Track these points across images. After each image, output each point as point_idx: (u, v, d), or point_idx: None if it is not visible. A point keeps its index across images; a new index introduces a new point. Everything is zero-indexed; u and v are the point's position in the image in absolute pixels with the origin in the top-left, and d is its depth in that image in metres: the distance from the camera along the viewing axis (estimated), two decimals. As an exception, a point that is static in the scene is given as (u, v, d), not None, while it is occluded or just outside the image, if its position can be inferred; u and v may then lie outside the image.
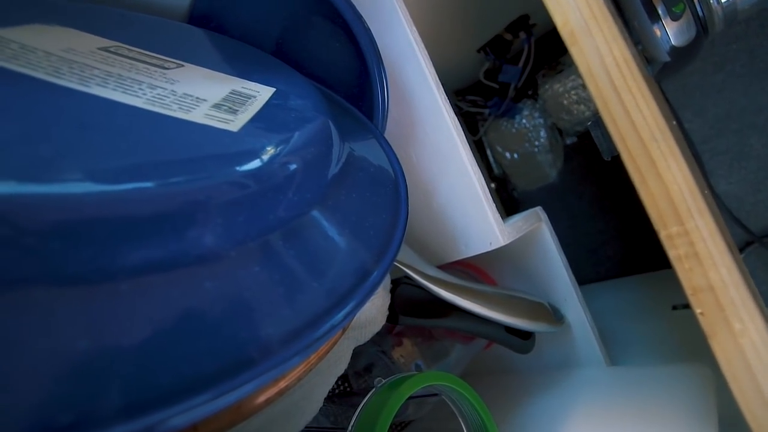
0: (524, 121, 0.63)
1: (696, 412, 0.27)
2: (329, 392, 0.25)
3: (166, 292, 0.13)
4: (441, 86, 0.31)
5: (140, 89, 0.18)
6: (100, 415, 0.11)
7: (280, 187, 0.17)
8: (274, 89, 0.22)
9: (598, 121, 0.24)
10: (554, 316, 0.36)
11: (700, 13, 0.29)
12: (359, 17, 0.29)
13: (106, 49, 0.20)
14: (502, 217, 0.31)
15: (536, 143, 0.63)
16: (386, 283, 0.31)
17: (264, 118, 0.19)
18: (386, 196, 0.24)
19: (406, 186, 0.25)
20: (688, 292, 0.21)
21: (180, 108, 0.18)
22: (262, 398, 0.17)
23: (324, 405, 0.25)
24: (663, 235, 0.21)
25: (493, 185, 0.70)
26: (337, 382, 0.39)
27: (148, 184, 0.14)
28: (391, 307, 0.31)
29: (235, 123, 0.18)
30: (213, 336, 0.14)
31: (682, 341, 0.35)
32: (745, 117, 0.47)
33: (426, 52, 0.31)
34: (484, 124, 0.67)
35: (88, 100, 0.16)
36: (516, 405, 0.37)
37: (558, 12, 0.23)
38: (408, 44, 0.30)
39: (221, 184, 0.15)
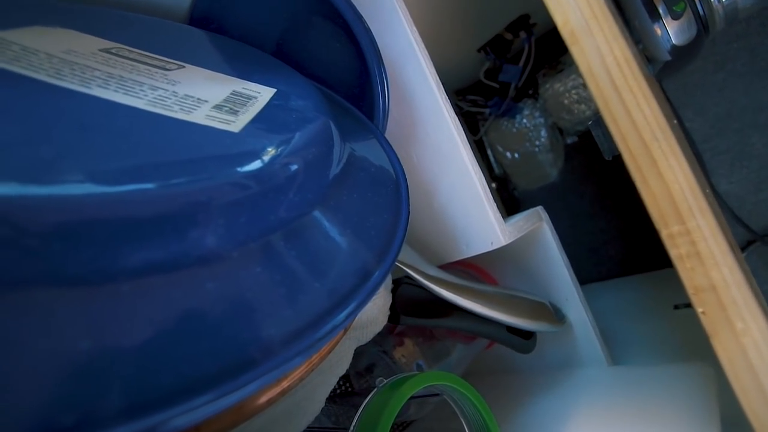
0: (525, 120, 0.63)
1: (698, 411, 0.27)
2: (331, 392, 0.25)
3: (168, 293, 0.13)
4: (441, 86, 0.31)
5: (141, 90, 0.18)
6: (103, 416, 0.11)
7: (282, 188, 0.17)
8: (275, 90, 0.23)
9: (598, 120, 0.24)
10: (555, 315, 0.36)
11: (701, 12, 0.29)
12: (359, 17, 0.29)
13: (107, 51, 0.20)
14: (503, 217, 0.31)
15: (537, 143, 0.63)
16: (387, 283, 0.31)
17: (265, 119, 0.19)
18: (387, 196, 0.24)
19: (407, 186, 0.25)
20: (690, 291, 0.21)
21: (181, 109, 0.18)
22: (264, 398, 0.17)
23: (326, 405, 0.25)
24: (664, 234, 0.21)
25: (493, 185, 0.70)
26: (338, 383, 0.39)
27: (150, 186, 0.14)
28: (392, 307, 0.31)
29: (236, 124, 0.18)
30: (215, 336, 0.14)
31: (683, 341, 0.35)
32: (746, 116, 0.47)
33: (426, 52, 0.31)
34: (484, 123, 0.67)
35: (90, 102, 0.16)
36: (518, 405, 0.37)
37: (558, 11, 0.23)
38: (408, 44, 0.30)
39: (223, 185, 0.15)
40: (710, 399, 0.27)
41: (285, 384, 0.18)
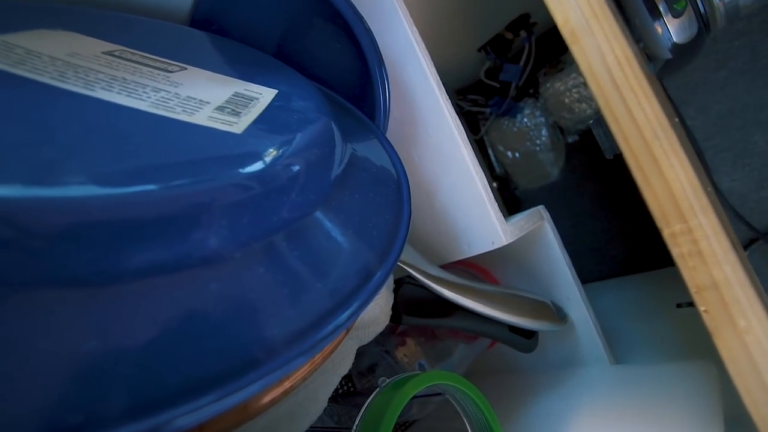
0: (525, 119, 0.63)
1: (701, 409, 0.27)
2: (333, 392, 0.25)
3: (172, 293, 0.14)
4: (442, 86, 0.31)
5: (144, 92, 0.18)
6: (108, 416, 0.11)
7: (284, 189, 0.17)
8: (277, 91, 0.23)
9: (599, 119, 0.24)
10: (557, 314, 0.36)
11: (702, 10, 0.29)
12: (360, 18, 0.29)
13: (110, 53, 0.20)
14: (504, 217, 0.31)
15: (538, 142, 0.63)
16: (389, 282, 0.31)
17: (267, 120, 0.19)
18: (389, 196, 0.24)
19: (409, 186, 0.25)
20: (692, 290, 0.21)
21: (184, 111, 0.18)
22: (267, 398, 0.17)
23: (328, 405, 0.25)
24: (666, 233, 0.21)
25: (494, 184, 0.70)
26: (340, 383, 0.39)
27: (152, 187, 0.14)
28: (394, 307, 0.31)
29: (238, 125, 0.18)
30: (218, 337, 0.14)
31: (686, 339, 0.35)
32: (748, 114, 0.47)
33: (427, 52, 0.31)
34: (485, 123, 0.67)
35: (93, 104, 0.16)
36: (520, 404, 0.37)
37: (558, 10, 0.23)
38: (409, 44, 0.30)
39: (225, 186, 0.15)
40: (713, 397, 0.27)
41: (288, 384, 0.18)
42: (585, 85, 0.55)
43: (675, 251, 0.21)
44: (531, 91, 0.61)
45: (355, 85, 0.31)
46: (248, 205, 0.16)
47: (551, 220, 0.37)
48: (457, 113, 0.31)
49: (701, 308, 0.21)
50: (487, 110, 0.65)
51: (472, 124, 0.69)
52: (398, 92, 0.32)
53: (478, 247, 0.32)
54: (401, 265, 0.30)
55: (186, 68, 0.22)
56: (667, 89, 0.42)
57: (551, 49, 0.58)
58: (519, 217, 0.33)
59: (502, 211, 0.31)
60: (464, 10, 0.47)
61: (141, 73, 0.20)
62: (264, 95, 0.22)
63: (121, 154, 0.15)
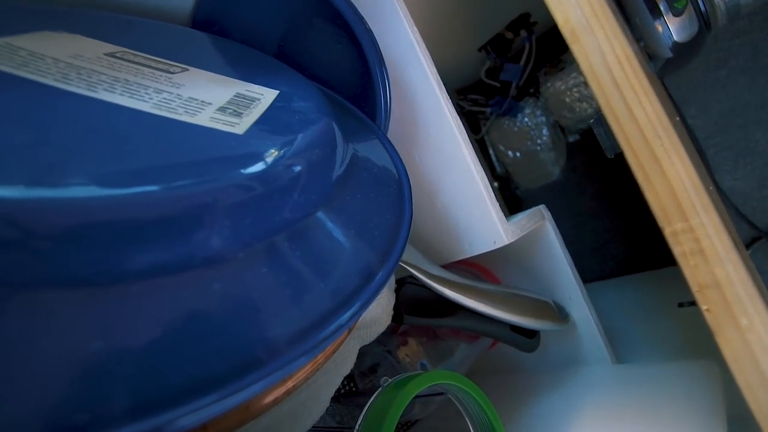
0: (526, 119, 0.63)
1: (703, 408, 0.27)
2: (335, 392, 0.25)
3: (175, 293, 0.14)
4: (443, 86, 0.31)
5: (146, 94, 0.18)
6: (113, 415, 0.11)
7: (286, 189, 0.17)
8: (278, 92, 0.23)
9: (600, 118, 0.24)
10: (559, 314, 0.36)
11: (703, 9, 0.29)
12: (360, 18, 0.29)
13: (112, 55, 0.21)
14: (505, 216, 0.31)
15: (538, 141, 0.63)
16: (391, 282, 0.31)
17: (268, 121, 0.19)
18: (390, 196, 0.24)
19: (410, 186, 0.25)
20: (694, 288, 0.21)
21: (186, 112, 0.18)
22: (270, 398, 0.17)
23: (330, 405, 0.25)
24: (668, 232, 0.21)
25: (495, 184, 0.70)
26: (342, 382, 0.39)
27: (154, 188, 0.14)
28: (395, 307, 0.31)
29: (240, 126, 0.18)
30: (221, 336, 0.14)
31: (688, 339, 0.35)
32: (750, 112, 0.47)
33: (427, 52, 0.31)
34: (486, 123, 0.67)
35: (96, 105, 0.16)
36: (522, 404, 0.37)
37: (559, 10, 0.23)
38: (409, 44, 0.31)
39: (227, 186, 0.15)
40: (716, 396, 0.27)
41: (290, 383, 0.18)
42: (585, 84, 0.55)
43: (677, 250, 0.21)
44: (531, 90, 0.61)
45: (355, 85, 0.32)
46: (251, 206, 0.16)
47: (552, 220, 0.37)
48: (457, 113, 0.31)
49: (703, 307, 0.21)
50: (488, 110, 0.65)
51: (472, 123, 0.69)
52: (399, 92, 0.32)
53: (479, 247, 0.32)
54: (403, 264, 0.30)
55: (188, 69, 0.22)
56: (667, 88, 0.42)
57: (552, 49, 0.58)
58: (520, 217, 0.33)
59: (503, 211, 0.31)
60: (464, 10, 0.47)
61: (143, 75, 0.20)
62: (265, 96, 0.22)
63: (124, 155, 0.15)
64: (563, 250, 0.36)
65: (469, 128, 0.70)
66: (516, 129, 0.64)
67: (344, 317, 0.17)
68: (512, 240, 0.30)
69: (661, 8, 0.28)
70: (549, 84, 0.58)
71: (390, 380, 0.26)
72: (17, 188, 0.12)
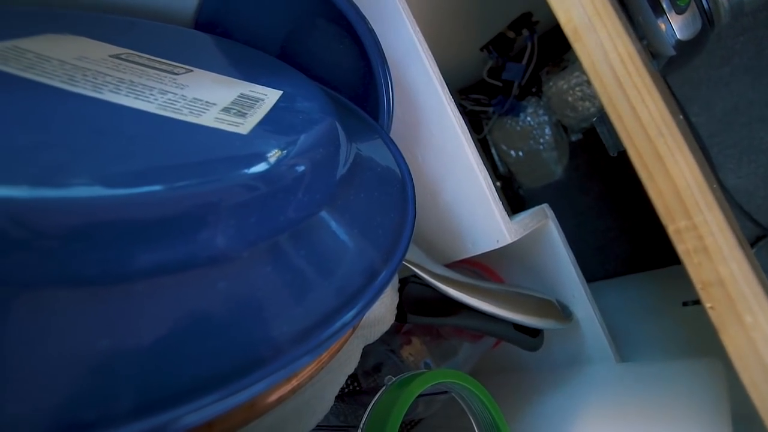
0: (529, 118, 0.63)
1: (708, 406, 0.27)
2: (339, 391, 0.26)
3: (181, 292, 0.14)
4: (445, 85, 0.31)
5: (151, 95, 0.18)
6: (118, 413, 0.11)
7: (290, 188, 0.17)
8: (281, 92, 0.23)
9: (603, 117, 0.24)
10: (562, 312, 0.36)
11: (706, 6, 0.29)
12: (362, 18, 0.29)
13: (117, 57, 0.21)
14: (508, 215, 0.31)
15: (541, 141, 0.63)
16: (394, 282, 0.31)
17: (272, 121, 0.20)
18: (393, 195, 0.24)
19: (413, 185, 0.25)
20: (698, 286, 0.21)
21: (191, 112, 0.18)
22: (274, 396, 0.17)
23: (334, 404, 0.25)
24: (671, 229, 0.21)
25: (498, 184, 0.70)
26: (346, 382, 0.39)
27: (159, 187, 0.14)
28: (399, 306, 0.31)
29: (244, 126, 0.18)
30: (226, 335, 0.14)
31: (692, 338, 0.35)
32: (754, 110, 0.47)
33: (430, 52, 0.31)
34: (488, 122, 0.67)
35: (102, 106, 0.17)
36: (526, 403, 0.37)
37: (561, 9, 0.23)
38: (411, 44, 0.31)
39: (232, 186, 0.16)
40: (720, 394, 0.27)
41: (295, 382, 0.18)
42: (588, 83, 0.55)
43: (680, 248, 0.21)
44: (534, 89, 0.61)
45: (358, 85, 0.32)
46: (255, 205, 0.16)
47: (555, 218, 0.36)
48: (460, 113, 0.31)
49: (707, 305, 0.21)
50: (490, 109, 0.65)
51: (475, 123, 0.69)
52: (401, 92, 0.32)
53: (482, 246, 0.32)
54: (406, 264, 0.30)
55: (192, 70, 0.23)
56: (671, 86, 0.42)
57: (554, 48, 0.58)
58: (523, 216, 0.33)
59: (506, 210, 0.31)
60: (466, 10, 0.47)
61: (148, 76, 0.20)
62: (269, 96, 0.22)
63: (129, 155, 0.15)
64: (566, 248, 0.36)
65: (471, 128, 0.70)
66: (518, 128, 0.64)
67: (348, 316, 0.17)
68: (515, 239, 0.30)
69: (664, 6, 0.28)
70: (551, 83, 0.58)
71: (394, 379, 0.26)
72: (23, 188, 0.12)
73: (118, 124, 0.16)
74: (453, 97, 0.31)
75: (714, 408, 0.26)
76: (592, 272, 0.61)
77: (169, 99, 0.19)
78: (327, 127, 0.21)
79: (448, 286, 0.31)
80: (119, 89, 0.18)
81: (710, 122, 0.49)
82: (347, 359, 0.26)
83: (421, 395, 0.24)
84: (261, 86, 0.23)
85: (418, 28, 0.31)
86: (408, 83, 0.32)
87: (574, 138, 0.61)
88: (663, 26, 0.28)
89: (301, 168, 0.18)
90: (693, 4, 0.28)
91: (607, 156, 0.28)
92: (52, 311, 0.12)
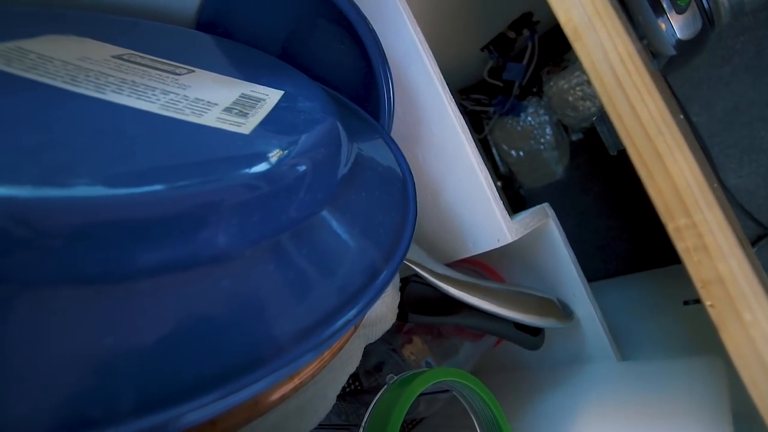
0: (529, 118, 0.63)
1: (708, 404, 0.27)
2: (340, 391, 0.26)
3: (184, 290, 0.14)
4: (446, 85, 0.31)
5: (154, 95, 0.18)
6: (124, 409, 0.11)
7: (292, 188, 0.17)
8: (283, 92, 0.23)
9: (603, 116, 0.24)
10: (563, 311, 0.36)
11: (706, 6, 0.29)
12: (363, 18, 0.29)
13: (119, 57, 0.21)
14: (509, 215, 0.31)
15: (542, 140, 0.63)
16: (396, 281, 0.31)
17: (274, 121, 0.20)
18: (395, 194, 0.24)
19: (414, 185, 0.26)
20: (698, 284, 0.21)
21: (192, 112, 0.18)
22: (277, 395, 0.18)
23: (336, 403, 0.25)
24: (671, 228, 0.21)
25: (499, 183, 0.70)
26: (348, 381, 0.39)
27: (162, 187, 0.14)
28: (400, 305, 0.31)
29: (246, 126, 0.18)
30: (229, 333, 0.14)
31: (693, 337, 0.35)
32: (755, 110, 0.47)
33: (430, 52, 0.31)
34: (489, 122, 0.67)
35: (105, 107, 0.17)
36: (527, 401, 0.37)
37: (561, 8, 0.23)
38: (412, 44, 0.31)
39: (234, 186, 0.16)
40: (720, 392, 0.27)
41: (297, 380, 0.18)
42: (588, 82, 0.55)
43: (680, 246, 0.21)
44: (534, 89, 0.61)
45: (359, 85, 0.32)
46: (257, 204, 0.16)
47: (556, 218, 0.37)
48: (460, 112, 0.31)
49: (707, 303, 0.21)
50: (491, 109, 0.65)
51: (475, 123, 0.69)
52: (402, 92, 0.32)
53: (483, 245, 0.32)
54: (408, 263, 0.30)
55: (193, 71, 0.23)
56: (671, 86, 0.42)
57: (554, 48, 0.58)
58: (524, 215, 0.33)
59: (507, 210, 0.31)
60: (467, 10, 0.47)
61: (150, 76, 0.20)
62: (270, 96, 0.22)
63: (132, 155, 0.15)
64: (567, 247, 0.36)
65: (472, 128, 0.70)
66: (519, 128, 0.64)
67: (349, 315, 0.17)
68: (516, 238, 0.30)
69: (664, 6, 0.28)
70: (552, 83, 0.58)
71: (395, 377, 0.26)
72: (26, 188, 0.12)
73: (120, 124, 0.16)
74: (454, 97, 0.31)
75: (715, 406, 0.26)
76: (594, 272, 0.61)
77: (171, 99, 0.19)
78: (328, 127, 0.21)
79: (450, 285, 0.31)
80: (121, 89, 0.18)
81: (711, 122, 0.49)
82: (349, 358, 0.26)
83: (422, 394, 0.24)
84: (262, 86, 0.23)
85: (418, 28, 0.31)
86: (409, 83, 0.32)
87: (574, 138, 0.61)
88: (663, 26, 0.28)
89: (303, 167, 0.18)
90: (693, 4, 0.28)
91: (608, 155, 0.28)
92: (56, 310, 0.12)
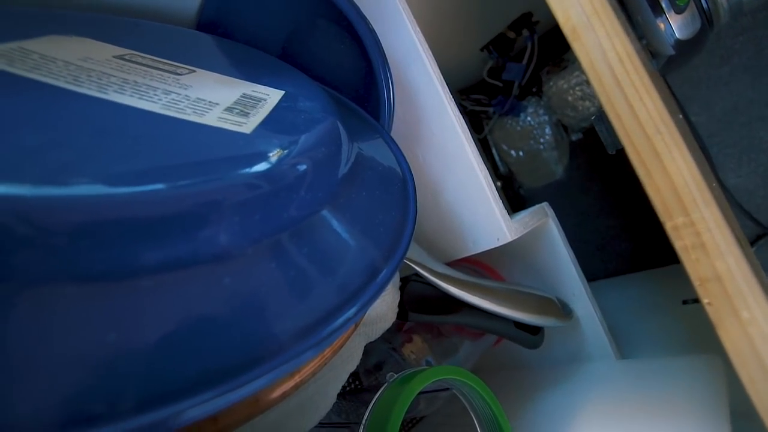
0: (529, 118, 0.63)
1: (707, 401, 0.27)
2: (341, 389, 0.26)
3: (187, 288, 0.14)
4: (446, 85, 0.31)
5: (155, 95, 0.19)
6: (127, 404, 0.11)
7: (292, 187, 0.17)
8: (283, 92, 0.23)
9: (601, 115, 0.24)
10: (563, 310, 0.36)
11: (705, 6, 0.29)
12: (363, 18, 0.29)
13: (121, 57, 0.21)
14: (508, 214, 0.31)
15: (541, 140, 0.63)
16: (396, 280, 0.31)
17: (275, 120, 0.20)
18: (395, 194, 0.24)
19: (414, 184, 0.26)
20: (696, 282, 0.21)
21: (194, 112, 0.18)
22: (278, 392, 0.18)
23: (336, 402, 0.25)
24: (669, 226, 0.21)
25: (499, 183, 0.70)
26: (348, 380, 0.40)
27: (163, 186, 0.14)
28: (400, 304, 0.31)
29: (247, 125, 0.19)
30: (230, 330, 0.14)
31: (692, 336, 0.35)
32: (754, 110, 0.47)
33: (430, 52, 0.31)
34: (488, 122, 0.67)
35: (107, 106, 0.17)
36: (527, 400, 0.37)
37: (559, 8, 0.23)
38: (412, 44, 0.31)
39: (235, 185, 0.16)
40: (719, 389, 0.27)
41: (298, 378, 0.18)
42: (588, 82, 0.55)
43: (678, 244, 0.21)
44: (534, 89, 0.61)
45: (359, 85, 0.32)
46: (259, 203, 0.16)
47: (555, 217, 0.37)
48: (460, 112, 0.31)
49: (704, 300, 0.21)
50: (491, 109, 0.65)
51: (475, 123, 0.69)
52: (402, 92, 0.32)
53: (483, 244, 0.32)
54: (408, 262, 0.30)
55: (194, 71, 0.23)
56: (671, 86, 0.42)
57: (554, 48, 0.58)
58: (523, 214, 0.33)
59: (506, 210, 0.31)
60: (466, 10, 0.47)
61: (151, 76, 0.20)
62: (271, 96, 0.22)
63: (134, 154, 0.15)
64: (566, 246, 0.37)
65: (472, 128, 0.70)
66: (519, 128, 0.64)
67: (349, 313, 0.17)
68: (515, 237, 0.31)
69: (663, 6, 0.28)
70: (551, 83, 0.58)
71: (396, 376, 0.26)
72: (30, 186, 0.12)
73: (122, 124, 0.17)
74: (453, 97, 0.31)
75: (713, 404, 0.26)
76: (594, 271, 0.61)
77: (173, 99, 0.19)
78: (329, 127, 0.21)
79: (450, 284, 0.31)
80: (124, 89, 0.18)
81: (710, 122, 0.49)
82: (350, 356, 0.26)
83: (422, 392, 0.25)
84: (263, 86, 0.23)
85: (418, 29, 0.31)
86: (409, 83, 0.32)
87: (574, 137, 0.61)
88: (662, 26, 0.28)
89: (303, 167, 0.18)
90: (692, 4, 0.28)
91: (608, 155, 0.28)
92: (60, 307, 0.12)
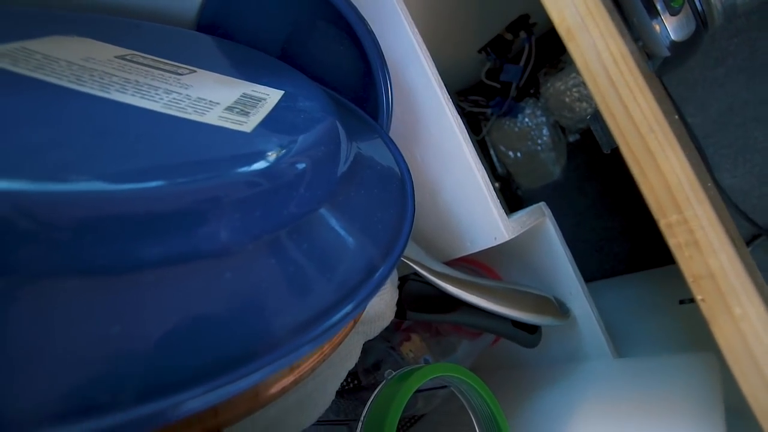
0: (527, 119, 0.63)
1: (702, 399, 0.27)
2: (339, 387, 0.26)
3: (189, 282, 0.14)
4: (444, 86, 0.31)
5: (157, 94, 0.19)
6: (130, 395, 0.12)
7: (292, 185, 0.18)
8: (283, 92, 0.23)
9: (597, 114, 0.24)
10: (560, 309, 0.36)
11: (699, 8, 0.29)
12: (362, 20, 0.30)
13: (122, 57, 0.21)
14: (506, 214, 0.31)
15: (539, 141, 0.63)
16: (394, 278, 0.32)
17: (274, 120, 0.20)
18: (393, 193, 0.24)
19: (412, 183, 0.26)
20: (689, 279, 0.21)
21: (195, 111, 0.19)
22: (277, 387, 0.18)
23: (334, 401, 0.26)
24: (662, 224, 0.22)
25: (497, 184, 0.71)
26: (346, 378, 0.40)
27: (163, 183, 0.14)
28: (399, 303, 0.31)
29: (247, 124, 0.19)
30: (230, 324, 0.15)
31: (689, 335, 0.36)
32: (748, 110, 0.48)
33: (428, 53, 0.32)
34: (486, 123, 0.68)
35: (109, 105, 0.17)
36: (525, 399, 0.37)
37: (554, 9, 0.23)
38: (410, 45, 0.31)
39: (235, 182, 0.16)
40: (714, 387, 0.28)
41: (297, 374, 0.19)
42: (585, 84, 0.55)
43: (671, 241, 0.21)
44: (532, 91, 0.62)
45: (358, 86, 0.32)
46: (259, 200, 0.16)
47: (552, 217, 0.37)
48: (458, 113, 0.32)
49: (698, 297, 0.21)
50: (489, 111, 0.65)
51: (473, 124, 0.70)
52: (400, 93, 0.33)
53: (480, 243, 0.32)
54: (406, 261, 0.30)
55: (195, 71, 0.23)
56: (666, 86, 0.42)
57: (551, 49, 0.58)
58: (520, 214, 0.33)
59: (504, 210, 0.31)
60: (464, 12, 0.48)
61: (153, 76, 0.21)
62: (271, 96, 0.22)
63: (136, 152, 0.15)
64: (563, 246, 0.37)
65: (469, 129, 0.70)
66: (516, 129, 0.64)
67: (347, 309, 0.17)
68: (513, 236, 0.31)
69: (658, 8, 0.29)
70: (549, 84, 0.58)
71: (394, 373, 0.26)
72: (33, 182, 0.12)
73: (124, 123, 0.17)
74: (451, 99, 0.32)
75: (708, 400, 0.27)
76: (591, 271, 0.62)
77: (174, 98, 0.19)
78: (328, 126, 0.21)
79: (447, 283, 0.31)
80: (125, 89, 0.18)
81: (706, 123, 0.50)
82: (348, 354, 0.27)
83: (420, 390, 0.25)
84: (263, 86, 0.23)
85: (416, 30, 0.32)
86: (407, 84, 0.32)
87: (571, 139, 0.61)
88: (657, 27, 0.29)
89: (303, 165, 0.18)
90: (687, 6, 0.29)
91: (605, 156, 0.28)
92: (62, 300, 0.12)
